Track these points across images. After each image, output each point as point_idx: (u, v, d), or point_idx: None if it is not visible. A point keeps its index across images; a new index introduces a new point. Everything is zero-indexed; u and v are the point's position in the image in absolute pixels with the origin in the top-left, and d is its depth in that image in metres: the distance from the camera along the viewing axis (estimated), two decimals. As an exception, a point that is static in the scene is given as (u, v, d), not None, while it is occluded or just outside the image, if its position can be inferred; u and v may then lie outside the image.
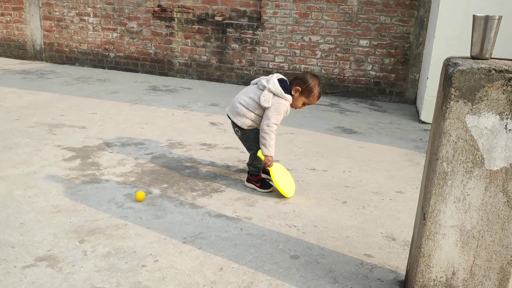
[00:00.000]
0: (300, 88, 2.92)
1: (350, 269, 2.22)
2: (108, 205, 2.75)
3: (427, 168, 1.88)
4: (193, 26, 6.59)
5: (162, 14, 6.69)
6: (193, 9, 6.58)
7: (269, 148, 2.89)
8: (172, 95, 5.76)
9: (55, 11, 7.29)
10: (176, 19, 6.65)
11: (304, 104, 2.98)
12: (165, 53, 6.85)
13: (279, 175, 2.97)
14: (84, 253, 2.24)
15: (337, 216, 2.76)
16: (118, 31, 7.01)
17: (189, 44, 6.69)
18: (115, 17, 6.97)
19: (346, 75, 6.05)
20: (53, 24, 7.38)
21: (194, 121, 4.66)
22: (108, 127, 4.30)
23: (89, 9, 7.07)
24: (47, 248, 2.27)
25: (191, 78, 6.81)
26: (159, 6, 6.73)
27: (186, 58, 6.76)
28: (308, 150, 3.92)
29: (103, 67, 7.26)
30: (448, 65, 1.69)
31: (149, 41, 6.89)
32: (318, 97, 2.96)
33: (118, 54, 7.12)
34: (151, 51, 6.92)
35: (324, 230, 2.59)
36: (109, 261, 2.19)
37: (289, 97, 2.90)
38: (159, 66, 6.95)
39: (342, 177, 3.36)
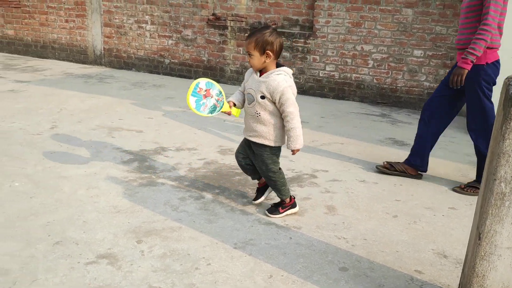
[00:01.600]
0: None
1: (400, 284, 2.21)
2: (163, 208, 2.88)
3: (483, 188, 1.85)
4: (246, 34, 6.72)
5: (216, 22, 6.87)
6: (246, 18, 6.72)
7: None
8: (224, 101, 5.90)
9: (115, 19, 7.66)
10: (229, 28, 6.81)
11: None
12: (217, 60, 7.03)
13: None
14: (142, 253, 2.36)
15: (387, 230, 2.75)
16: (174, 38, 7.27)
17: (241, 52, 6.82)
18: (171, 25, 7.23)
19: (399, 85, 5.96)
20: (113, 31, 7.75)
21: (245, 128, 4.75)
22: (164, 132, 4.48)
23: (147, 16, 7.38)
24: (108, 246, 2.41)
25: (242, 85, 6.93)
26: (213, 14, 6.92)
27: (238, 66, 6.90)
28: (358, 161, 3.91)
29: (158, 73, 7.55)
30: (509, 85, 1.67)
31: (203, 49, 7.09)
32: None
33: (173, 60, 7.38)
34: (204, 58, 7.12)
35: (374, 243, 2.59)
36: (165, 262, 2.30)
37: None
38: (211, 73, 7.13)
39: (393, 190, 3.34)
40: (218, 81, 7.07)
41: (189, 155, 3.88)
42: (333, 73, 6.31)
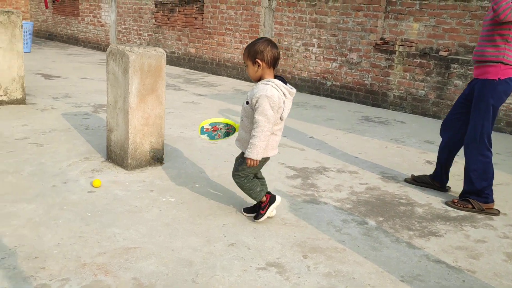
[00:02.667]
0: None
1: None
2: (327, 227, 2.93)
3: None
4: (414, 60, 6.50)
5: (383, 47, 6.79)
6: (416, 43, 6.49)
7: None
8: (385, 127, 5.77)
9: (284, 41, 8.10)
10: (397, 52, 6.66)
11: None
12: (380, 85, 6.92)
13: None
14: (308, 268, 2.43)
15: None
16: (338, 62, 7.38)
17: (407, 78, 6.61)
18: (337, 48, 7.36)
19: None
20: (281, 53, 8.20)
21: (408, 157, 4.58)
22: (325, 151, 4.56)
23: (314, 40, 7.64)
24: (276, 255, 2.54)
25: (404, 112, 6.70)
26: (381, 39, 6.85)
27: (402, 91, 6.69)
28: (543, 208, 3.45)
29: (319, 94, 7.73)
30: None
31: (367, 72, 7.05)
32: None
33: (334, 83, 7.49)
34: (367, 82, 7.07)
35: None
36: (330, 281, 2.33)
37: None
38: (372, 97, 7.04)
39: None
40: (379, 106, 6.95)
41: (351, 178, 3.88)
42: (513, 106, 5.70)
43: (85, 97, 6.32)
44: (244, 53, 2.71)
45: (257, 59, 2.64)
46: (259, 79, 2.71)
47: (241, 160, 2.84)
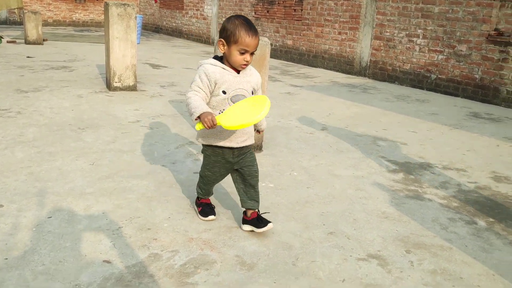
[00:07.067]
0: (222, 40, 2.36)
1: None
2: (432, 224, 2.79)
3: None
4: (535, 52, 5.91)
5: (497, 38, 6.26)
6: (538, 34, 5.90)
7: (193, 111, 2.34)
8: (496, 124, 5.34)
9: (386, 32, 7.81)
10: (514, 44, 6.10)
11: (242, 53, 2.31)
12: (492, 79, 6.40)
13: (231, 116, 2.25)
14: (411, 264, 2.34)
15: None
16: (445, 54, 6.96)
17: (525, 72, 6.03)
18: (444, 39, 6.94)
19: None
20: (381, 44, 7.93)
21: (524, 157, 4.19)
22: (428, 147, 4.34)
23: (419, 30, 7.27)
24: (377, 248, 2.48)
25: (519, 109, 6.13)
26: (496, 29, 6.32)
27: (518, 87, 6.13)
28: None
29: (422, 88, 7.35)
30: None
31: (477, 66, 6.56)
32: (248, 35, 2.28)
33: (440, 76, 7.08)
34: (477, 76, 6.58)
35: None
36: (435, 278, 2.22)
37: (206, 61, 2.45)
38: (482, 92, 6.54)
39: None
40: (489, 102, 6.44)
41: (458, 176, 3.65)
42: None
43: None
44: (258, 39, 2.35)
45: None
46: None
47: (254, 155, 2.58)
